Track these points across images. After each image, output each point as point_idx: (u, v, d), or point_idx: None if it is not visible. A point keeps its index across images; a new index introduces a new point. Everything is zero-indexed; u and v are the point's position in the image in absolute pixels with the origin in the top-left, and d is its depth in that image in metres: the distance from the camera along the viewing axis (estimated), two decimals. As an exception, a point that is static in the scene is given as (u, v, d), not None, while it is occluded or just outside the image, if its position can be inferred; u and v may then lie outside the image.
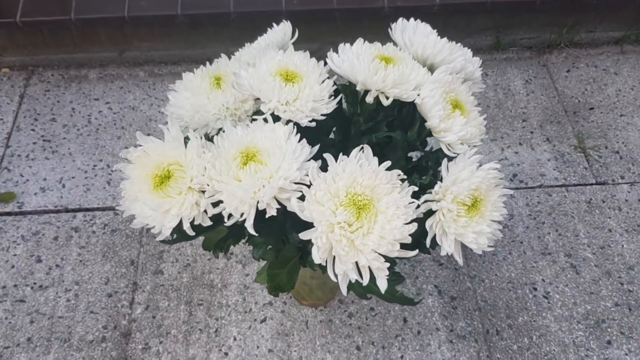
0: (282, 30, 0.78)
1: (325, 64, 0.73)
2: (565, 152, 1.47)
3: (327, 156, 0.62)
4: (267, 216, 0.61)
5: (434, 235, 0.67)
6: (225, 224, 0.63)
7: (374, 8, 1.58)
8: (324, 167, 0.63)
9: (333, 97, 0.70)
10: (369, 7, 1.58)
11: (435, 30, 0.78)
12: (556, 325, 1.16)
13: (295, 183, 0.61)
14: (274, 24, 0.81)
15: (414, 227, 0.61)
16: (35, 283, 1.19)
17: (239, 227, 0.66)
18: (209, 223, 0.64)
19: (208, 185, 0.62)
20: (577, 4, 1.66)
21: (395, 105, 0.73)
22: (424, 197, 0.65)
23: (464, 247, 0.68)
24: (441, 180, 0.67)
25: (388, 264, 0.60)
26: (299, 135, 0.64)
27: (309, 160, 0.63)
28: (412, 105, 0.72)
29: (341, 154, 0.63)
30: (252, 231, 0.62)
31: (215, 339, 1.12)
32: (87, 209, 1.32)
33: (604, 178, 1.42)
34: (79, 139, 1.47)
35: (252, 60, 0.76)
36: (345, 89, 0.75)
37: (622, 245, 1.29)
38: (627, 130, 1.53)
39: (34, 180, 1.37)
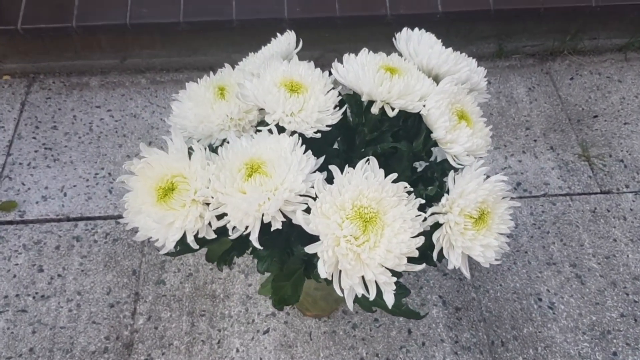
0: (287, 40, 0.77)
1: (330, 74, 0.72)
2: (569, 161, 1.47)
3: (333, 168, 0.62)
4: (272, 229, 0.60)
5: (441, 249, 0.66)
6: (229, 237, 0.62)
7: (376, 15, 1.57)
8: (330, 179, 0.62)
9: (338, 108, 0.69)
10: (371, 15, 1.58)
11: (440, 41, 0.78)
12: (561, 337, 1.15)
13: (301, 195, 0.61)
14: (278, 34, 0.80)
15: (421, 240, 0.60)
16: (37, 293, 1.18)
17: (244, 239, 0.65)
18: (213, 236, 0.63)
19: (212, 197, 0.61)
20: (580, 11, 1.65)
21: (401, 115, 0.72)
22: (430, 210, 0.65)
23: (469, 257, 0.67)
24: (447, 192, 0.66)
25: (395, 279, 0.60)
26: (304, 146, 0.63)
27: (315, 171, 0.63)
28: (418, 115, 0.71)
29: (347, 165, 0.62)
30: (257, 245, 0.61)
31: (217, 351, 1.11)
32: (88, 218, 1.31)
33: (609, 187, 1.41)
34: (81, 147, 1.46)
35: (256, 71, 0.75)
36: (350, 99, 0.74)
37: (628, 255, 1.28)
38: (631, 138, 1.52)
39: (36, 189, 1.36)
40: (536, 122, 1.56)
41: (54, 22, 1.54)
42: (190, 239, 0.62)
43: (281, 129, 0.66)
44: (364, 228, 0.59)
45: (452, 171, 0.66)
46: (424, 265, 0.63)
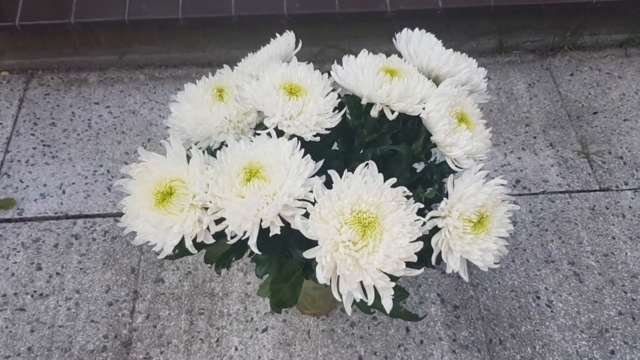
0: (286, 41, 0.77)
1: (329, 75, 0.72)
2: (568, 158, 1.46)
3: (332, 173, 0.61)
4: (270, 234, 0.60)
5: (439, 252, 0.66)
6: (228, 242, 0.61)
7: (376, 12, 1.56)
8: (328, 182, 0.62)
9: (337, 111, 0.69)
10: (371, 11, 1.57)
11: (440, 41, 0.77)
12: (559, 335, 1.15)
13: (300, 200, 0.60)
14: (277, 35, 0.80)
15: (419, 245, 0.60)
16: (35, 291, 1.18)
17: (242, 242, 0.65)
18: (212, 241, 0.63)
19: (210, 202, 0.61)
20: (581, 7, 1.65)
21: (400, 117, 0.72)
22: (429, 214, 0.65)
23: (467, 260, 0.67)
24: (446, 196, 0.66)
25: (393, 283, 0.60)
26: (302, 150, 0.63)
27: (313, 175, 0.63)
28: (417, 117, 0.71)
29: (346, 170, 0.62)
30: (255, 250, 0.61)
31: (216, 349, 1.11)
32: (87, 216, 1.31)
33: (608, 184, 1.41)
34: (79, 144, 1.46)
35: (255, 72, 0.75)
36: (350, 101, 0.74)
37: (626, 253, 1.28)
38: (630, 135, 1.52)
39: (34, 186, 1.36)
40: (536, 118, 1.56)
41: (52, 18, 1.53)
42: (188, 244, 0.62)
43: (280, 133, 0.66)
44: (362, 233, 0.59)
45: (451, 175, 0.66)
46: (422, 270, 0.63)
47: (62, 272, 1.21)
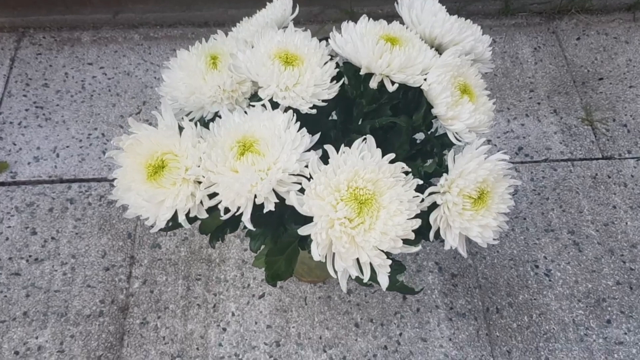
0: (282, 7, 0.73)
1: (327, 43, 0.69)
2: (572, 125, 1.44)
3: (328, 147, 0.59)
4: (265, 211, 0.58)
5: (438, 228, 0.64)
6: (221, 218, 0.60)
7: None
8: (325, 156, 0.60)
9: (335, 81, 0.66)
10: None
11: (444, 7, 0.74)
12: (556, 304, 1.15)
13: (295, 175, 0.59)
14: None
15: (417, 222, 0.58)
16: (30, 256, 1.18)
17: (237, 216, 0.64)
18: (205, 216, 0.61)
19: (203, 176, 0.59)
20: (590, -32, 1.59)
21: (401, 88, 0.69)
22: (428, 190, 0.63)
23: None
24: (446, 170, 0.64)
25: (390, 261, 0.58)
26: (298, 123, 0.61)
27: (310, 149, 0.60)
28: (419, 87, 0.68)
29: (343, 145, 0.60)
30: (249, 226, 0.59)
31: (213, 315, 1.12)
32: (82, 180, 1.29)
33: (611, 152, 1.39)
34: (73, 106, 1.43)
35: (250, 39, 0.72)
36: (348, 71, 0.71)
37: (626, 223, 1.27)
38: (635, 102, 1.49)
39: (27, 149, 1.34)
40: (541, 83, 1.53)
41: (41, -26, 1.48)
42: (181, 219, 0.61)
43: (275, 104, 0.63)
44: (359, 210, 0.57)
45: (452, 150, 0.64)
46: (420, 247, 0.62)
47: (57, 237, 1.20)
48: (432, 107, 0.67)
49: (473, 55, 0.73)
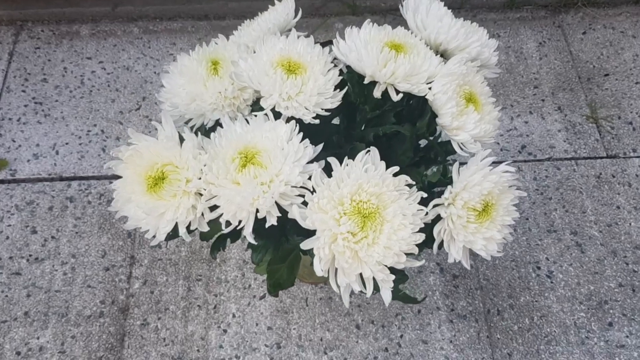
0: (285, 11, 0.72)
1: (330, 49, 0.67)
2: (576, 123, 1.42)
3: (332, 160, 0.58)
4: (267, 226, 0.57)
5: (442, 241, 0.63)
6: (223, 232, 0.59)
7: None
8: (328, 167, 0.59)
9: (338, 90, 0.65)
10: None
11: (450, 11, 0.72)
12: (558, 306, 1.15)
13: (298, 187, 0.58)
14: (276, 1, 0.74)
15: (421, 237, 0.57)
16: (30, 255, 1.17)
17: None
18: (207, 229, 0.60)
19: (205, 189, 0.58)
20: (597, -39, 1.57)
21: (405, 96, 0.68)
22: (432, 203, 0.62)
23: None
24: (450, 181, 0.63)
25: (393, 276, 0.58)
26: (301, 134, 0.59)
27: (312, 160, 0.59)
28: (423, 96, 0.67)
29: (346, 157, 0.59)
30: (251, 240, 0.58)
31: (214, 316, 1.11)
32: (82, 178, 1.28)
33: (615, 151, 1.38)
34: (72, 102, 1.41)
35: (252, 44, 0.70)
36: (352, 78, 0.70)
37: (630, 223, 1.26)
38: (641, 99, 1.47)
39: (27, 146, 1.33)
40: (545, 80, 1.51)
41: (39, -33, 1.46)
42: (182, 232, 0.60)
43: (277, 114, 0.62)
44: (362, 224, 0.56)
45: (456, 163, 0.63)
46: (423, 261, 0.61)
47: (57, 236, 1.20)
48: (436, 116, 0.66)
49: (479, 62, 0.72)
